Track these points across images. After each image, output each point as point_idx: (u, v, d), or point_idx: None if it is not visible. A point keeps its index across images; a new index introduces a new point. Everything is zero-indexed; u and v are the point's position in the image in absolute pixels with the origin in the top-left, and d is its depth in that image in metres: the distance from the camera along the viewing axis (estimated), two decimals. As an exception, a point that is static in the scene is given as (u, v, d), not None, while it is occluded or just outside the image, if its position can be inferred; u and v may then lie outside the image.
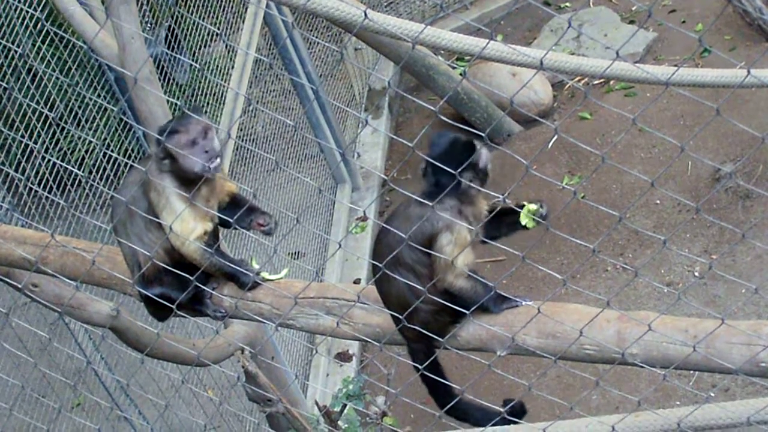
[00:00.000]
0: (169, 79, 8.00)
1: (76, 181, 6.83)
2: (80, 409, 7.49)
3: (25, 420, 5.98)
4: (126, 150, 7.32)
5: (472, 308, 3.43)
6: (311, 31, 10.17)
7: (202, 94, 8.09)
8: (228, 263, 3.79)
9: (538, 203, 3.58)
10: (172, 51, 8.03)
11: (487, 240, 3.57)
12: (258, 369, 4.93)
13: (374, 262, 3.53)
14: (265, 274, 3.86)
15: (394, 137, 6.47)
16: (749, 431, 3.56)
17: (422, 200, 3.46)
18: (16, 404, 6.35)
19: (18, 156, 6.70)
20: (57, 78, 6.59)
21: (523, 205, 3.60)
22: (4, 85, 5.37)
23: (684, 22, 10.15)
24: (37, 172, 6.60)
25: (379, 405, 5.63)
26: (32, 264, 4.12)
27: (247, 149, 8.33)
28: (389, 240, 3.50)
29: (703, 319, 3.29)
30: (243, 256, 6.74)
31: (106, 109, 7.27)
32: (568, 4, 11.03)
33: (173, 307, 3.78)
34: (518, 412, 3.65)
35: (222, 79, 8.13)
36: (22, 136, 6.38)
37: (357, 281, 8.57)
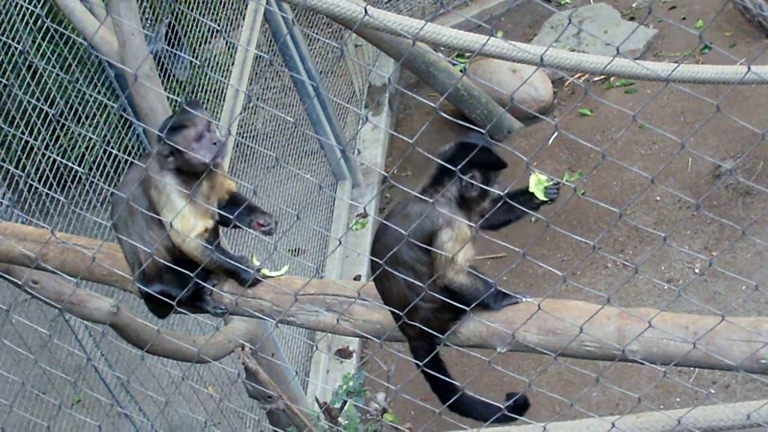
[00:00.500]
0: (169, 75, 8.00)
1: (77, 178, 6.83)
2: (80, 406, 7.49)
3: (26, 417, 5.98)
4: (126, 147, 7.32)
5: (473, 305, 3.43)
6: (311, 27, 10.17)
7: (202, 91, 8.09)
8: (229, 260, 3.79)
9: (548, 177, 3.53)
10: (173, 48, 8.03)
11: (494, 229, 3.53)
12: (258, 366, 4.94)
13: (374, 259, 3.52)
14: (265, 271, 3.86)
15: (395, 134, 6.45)
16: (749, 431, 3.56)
17: (422, 196, 3.46)
18: (16, 401, 6.35)
19: (18, 153, 6.70)
20: (57, 75, 6.59)
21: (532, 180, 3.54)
22: (4, 81, 5.36)
23: (684, 18, 10.15)
24: (38, 169, 6.59)
25: (380, 401, 5.63)
26: (32, 261, 4.12)
27: (248, 146, 8.33)
28: (388, 238, 3.50)
29: (703, 316, 3.29)
30: (243, 253, 6.74)
31: (106, 105, 7.27)
32: (568, 0, 11.03)
33: (174, 304, 3.78)
34: (521, 406, 3.65)
35: (222, 76, 8.13)
36: (23, 133, 6.38)
37: (357, 278, 8.57)
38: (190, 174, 3.71)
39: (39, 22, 6.56)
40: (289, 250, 8.59)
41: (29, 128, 6.56)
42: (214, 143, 3.69)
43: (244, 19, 7.88)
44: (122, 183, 3.88)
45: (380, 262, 3.42)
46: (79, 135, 7.55)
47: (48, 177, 6.42)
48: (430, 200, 3.39)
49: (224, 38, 8.71)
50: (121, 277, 3.98)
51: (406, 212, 3.50)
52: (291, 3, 3.60)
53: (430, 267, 3.46)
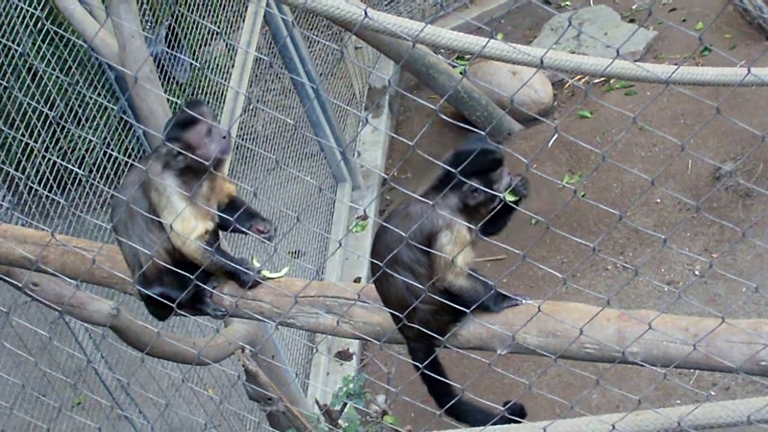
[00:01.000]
0: (169, 77, 8.00)
1: (77, 180, 6.84)
2: (81, 408, 7.49)
3: (26, 419, 5.98)
4: (126, 149, 7.32)
5: (473, 307, 3.43)
6: (311, 29, 10.17)
7: (202, 93, 8.09)
8: (229, 262, 3.79)
9: (517, 176, 3.53)
10: (173, 50, 8.03)
11: (485, 238, 3.54)
12: (258, 368, 4.94)
13: (373, 261, 3.52)
14: (265, 273, 3.86)
15: (395, 136, 6.47)
16: (750, 430, 3.56)
17: (423, 198, 3.45)
18: (16, 403, 6.35)
19: (18, 155, 6.70)
20: (57, 77, 6.59)
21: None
22: (4, 83, 5.37)
23: (684, 20, 10.15)
24: (38, 171, 6.60)
25: (380, 404, 5.63)
26: (32, 263, 4.11)
27: (248, 148, 8.33)
28: (387, 239, 3.49)
29: (703, 318, 3.29)
30: (244, 255, 6.74)
31: (106, 107, 7.27)
32: (568, 2, 11.03)
33: (174, 306, 3.78)
34: (518, 414, 3.65)
35: (222, 78, 8.13)
36: (23, 135, 6.38)
37: (357, 280, 8.57)
38: (193, 174, 3.70)
39: (39, 24, 6.56)
40: (289, 252, 8.59)
41: (29, 130, 6.56)
42: (223, 137, 3.70)
43: (244, 21, 7.88)
44: (122, 185, 3.87)
45: (380, 264, 3.42)
46: (79, 137, 7.56)
47: (48, 179, 6.42)
48: (431, 202, 3.39)
49: (224, 40, 8.71)
50: (121, 280, 3.98)
51: (407, 213, 3.49)
52: (291, 5, 3.61)
53: (429, 269, 3.46)
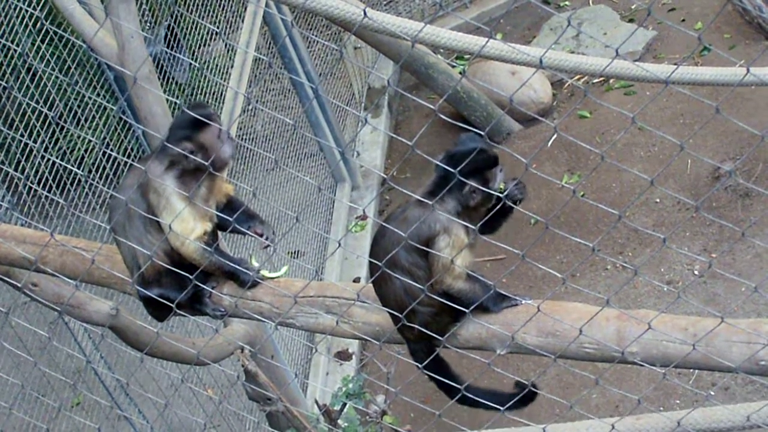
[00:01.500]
0: (168, 78, 8.00)
1: (76, 180, 6.83)
2: (80, 408, 7.49)
3: (25, 419, 5.98)
4: (125, 149, 7.32)
5: (472, 307, 3.43)
6: (311, 29, 10.17)
7: (201, 93, 8.09)
8: (228, 262, 3.79)
9: (512, 180, 3.55)
10: (172, 50, 8.03)
11: (483, 237, 3.54)
12: (258, 368, 4.93)
13: (372, 261, 3.52)
14: (264, 272, 3.86)
15: (394, 136, 6.45)
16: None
17: (422, 199, 3.45)
18: (15, 403, 6.35)
19: (18, 155, 6.70)
20: (56, 77, 6.59)
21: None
22: (3, 84, 5.37)
23: (683, 20, 10.15)
24: (37, 171, 6.59)
25: (379, 404, 5.62)
26: (32, 263, 4.11)
27: (247, 148, 8.33)
28: (385, 242, 3.49)
29: (702, 318, 3.29)
30: (242, 255, 6.74)
31: (105, 108, 7.27)
32: (567, 2, 11.03)
33: (173, 306, 3.78)
34: (529, 395, 3.65)
35: (221, 78, 8.13)
36: (22, 135, 6.38)
37: (357, 280, 8.57)
38: (192, 175, 3.69)
39: (38, 24, 6.56)
40: (288, 252, 8.59)
41: (28, 131, 6.56)
42: (230, 138, 3.71)
43: (243, 21, 7.88)
44: (120, 187, 3.86)
45: (379, 264, 3.42)
46: (79, 137, 7.55)
47: (47, 179, 6.42)
48: (430, 203, 3.39)
49: (223, 40, 8.71)
50: (120, 280, 3.98)
51: (405, 216, 3.49)
52: (290, 5, 3.61)
53: (428, 272, 3.46)
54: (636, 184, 8.66)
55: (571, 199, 8.17)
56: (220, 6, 8.46)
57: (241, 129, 9.19)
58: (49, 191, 6.41)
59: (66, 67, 6.78)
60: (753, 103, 8.80)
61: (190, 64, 8.15)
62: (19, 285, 4.76)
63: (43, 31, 6.60)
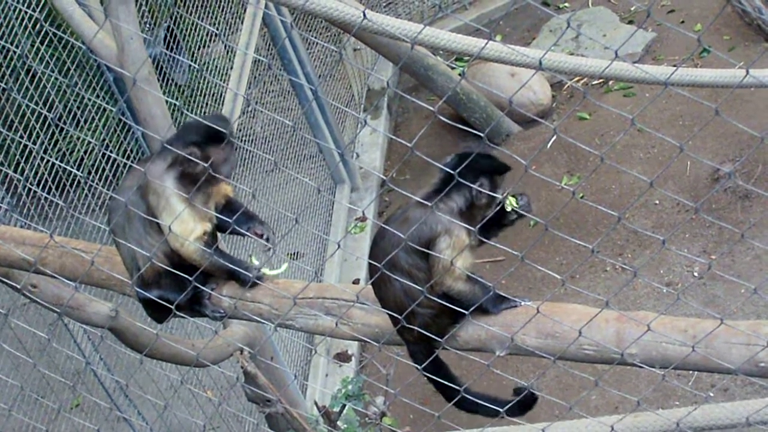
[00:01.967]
0: (168, 79, 8.00)
1: (75, 182, 6.83)
2: (79, 410, 7.48)
3: (25, 420, 5.98)
4: (125, 150, 7.32)
5: (471, 309, 3.43)
6: (310, 31, 10.17)
7: (200, 95, 8.09)
8: (227, 262, 3.79)
9: (519, 195, 3.58)
10: (171, 51, 8.03)
11: (484, 240, 3.55)
12: (257, 369, 4.93)
13: (372, 262, 3.52)
14: (265, 270, 3.86)
15: (393, 137, 6.47)
16: (749, 431, 3.56)
17: (423, 201, 3.45)
18: (15, 405, 6.35)
19: (17, 157, 6.70)
20: (56, 78, 6.59)
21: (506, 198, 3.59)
22: (2, 85, 5.37)
23: (683, 22, 10.15)
24: (36, 173, 6.59)
25: (379, 405, 5.62)
26: (31, 264, 4.11)
27: (246, 150, 8.33)
28: (385, 243, 3.49)
29: (702, 319, 3.30)
30: (242, 256, 6.73)
31: (105, 109, 7.27)
32: (566, 4, 11.03)
33: (172, 308, 3.78)
34: (529, 400, 3.65)
35: (221, 80, 8.13)
36: (21, 137, 6.37)
37: (356, 281, 8.57)
38: (192, 177, 3.69)
39: (37, 25, 6.56)
40: (287, 254, 8.59)
41: (28, 132, 6.56)
42: (234, 148, 3.73)
43: (242, 22, 7.87)
44: (119, 189, 3.86)
45: (378, 266, 3.41)
46: (78, 139, 7.55)
47: (47, 181, 6.42)
48: (430, 204, 3.39)
49: (223, 42, 8.71)
50: (119, 281, 3.98)
51: (405, 217, 3.49)
52: (289, 6, 3.61)
53: (428, 273, 3.46)
54: (635, 186, 8.66)
55: (570, 200, 8.18)
56: (219, 7, 8.46)
57: (240, 130, 9.19)
58: (48, 193, 6.41)
59: (65, 68, 6.78)
60: (752, 105, 8.80)
61: (190, 65, 8.15)
62: (18, 286, 4.76)
63: (43, 33, 6.59)
